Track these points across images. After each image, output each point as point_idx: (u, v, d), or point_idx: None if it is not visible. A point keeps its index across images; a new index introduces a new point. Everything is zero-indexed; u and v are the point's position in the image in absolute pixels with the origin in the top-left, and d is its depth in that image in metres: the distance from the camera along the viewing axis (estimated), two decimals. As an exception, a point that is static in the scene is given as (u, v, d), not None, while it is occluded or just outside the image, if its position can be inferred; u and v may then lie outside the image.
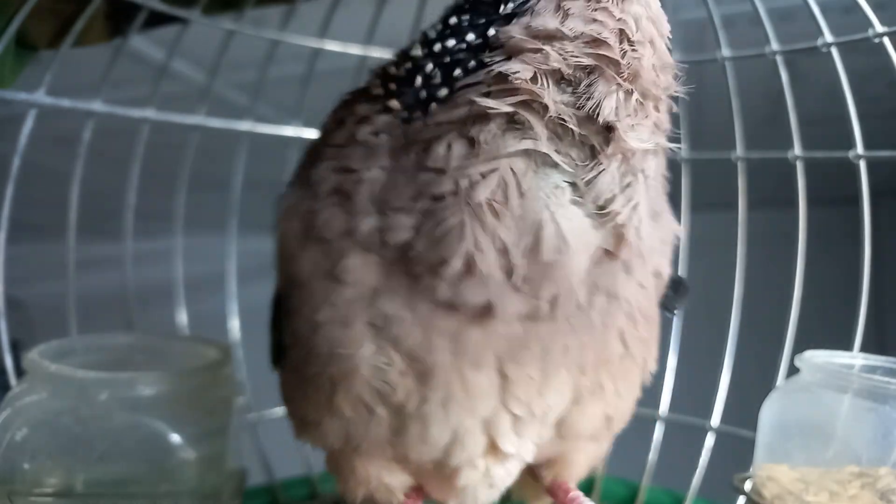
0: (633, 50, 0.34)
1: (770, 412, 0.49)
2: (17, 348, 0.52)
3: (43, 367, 0.47)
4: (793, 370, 0.50)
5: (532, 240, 0.35)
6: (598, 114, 0.34)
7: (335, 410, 0.39)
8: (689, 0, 0.66)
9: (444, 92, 0.36)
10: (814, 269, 0.57)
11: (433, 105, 0.36)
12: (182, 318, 0.67)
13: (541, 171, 0.35)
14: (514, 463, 0.43)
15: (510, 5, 0.36)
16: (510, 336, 0.37)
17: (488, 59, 0.35)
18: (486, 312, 0.36)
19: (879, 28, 0.50)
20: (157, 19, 0.60)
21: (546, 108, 0.34)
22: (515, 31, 0.35)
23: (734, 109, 0.60)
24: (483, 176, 0.34)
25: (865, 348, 0.52)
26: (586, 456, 0.46)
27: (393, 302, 0.36)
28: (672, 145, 0.38)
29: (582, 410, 0.41)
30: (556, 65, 0.34)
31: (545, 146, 0.34)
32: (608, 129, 0.34)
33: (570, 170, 0.35)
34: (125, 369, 0.52)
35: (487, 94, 0.34)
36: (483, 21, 0.37)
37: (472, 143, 0.34)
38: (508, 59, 0.34)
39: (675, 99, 0.38)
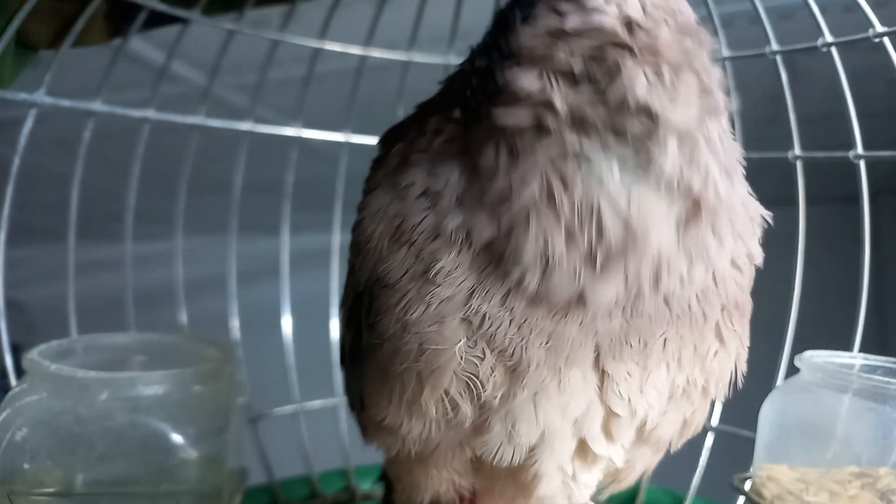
0: (643, 29, 0.34)
1: (770, 412, 0.49)
2: (17, 352, 0.52)
3: (43, 367, 0.47)
4: (793, 370, 0.50)
5: (596, 224, 0.34)
6: (630, 100, 0.33)
7: (419, 409, 0.38)
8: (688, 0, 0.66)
9: (485, 105, 0.37)
10: (814, 268, 0.57)
11: (482, 112, 0.37)
12: (182, 318, 0.66)
13: (584, 162, 0.34)
14: (600, 468, 0.42)
15: (517, 15, 0.37)
16: (607, 330, 0.37)
17: (507, 74, 0.35)
18: (578, 303, 0.36)
19: (879, 28, 0.50)
20: (157, 19, 0.60)
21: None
22: (522, 38, 0.35)
23: (734, 109, 0.59)
24: (526, 178, 0.35)
25: (866, 348, 0.52)
26: (644, 466, 0.44)
27: (486, 300, 0.37)
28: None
29: (667, 412, 0.40)
30: (563, 65, 0.34)
31: (572, 142, 0.34)
32: (649, 114, 0.34)
33: (615, 155, 0.34)
34: (125, 369, 0.52)
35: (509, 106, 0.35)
36: (501, 37, 0.38)
37: (512, 150, 0.35)
38: (519, 68, 0.35)
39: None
